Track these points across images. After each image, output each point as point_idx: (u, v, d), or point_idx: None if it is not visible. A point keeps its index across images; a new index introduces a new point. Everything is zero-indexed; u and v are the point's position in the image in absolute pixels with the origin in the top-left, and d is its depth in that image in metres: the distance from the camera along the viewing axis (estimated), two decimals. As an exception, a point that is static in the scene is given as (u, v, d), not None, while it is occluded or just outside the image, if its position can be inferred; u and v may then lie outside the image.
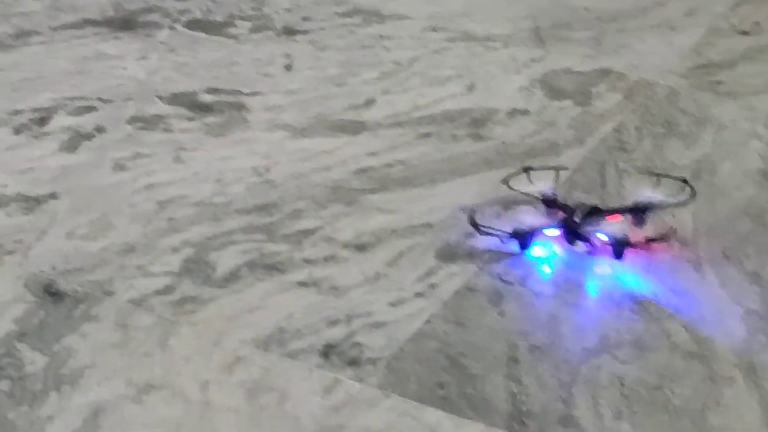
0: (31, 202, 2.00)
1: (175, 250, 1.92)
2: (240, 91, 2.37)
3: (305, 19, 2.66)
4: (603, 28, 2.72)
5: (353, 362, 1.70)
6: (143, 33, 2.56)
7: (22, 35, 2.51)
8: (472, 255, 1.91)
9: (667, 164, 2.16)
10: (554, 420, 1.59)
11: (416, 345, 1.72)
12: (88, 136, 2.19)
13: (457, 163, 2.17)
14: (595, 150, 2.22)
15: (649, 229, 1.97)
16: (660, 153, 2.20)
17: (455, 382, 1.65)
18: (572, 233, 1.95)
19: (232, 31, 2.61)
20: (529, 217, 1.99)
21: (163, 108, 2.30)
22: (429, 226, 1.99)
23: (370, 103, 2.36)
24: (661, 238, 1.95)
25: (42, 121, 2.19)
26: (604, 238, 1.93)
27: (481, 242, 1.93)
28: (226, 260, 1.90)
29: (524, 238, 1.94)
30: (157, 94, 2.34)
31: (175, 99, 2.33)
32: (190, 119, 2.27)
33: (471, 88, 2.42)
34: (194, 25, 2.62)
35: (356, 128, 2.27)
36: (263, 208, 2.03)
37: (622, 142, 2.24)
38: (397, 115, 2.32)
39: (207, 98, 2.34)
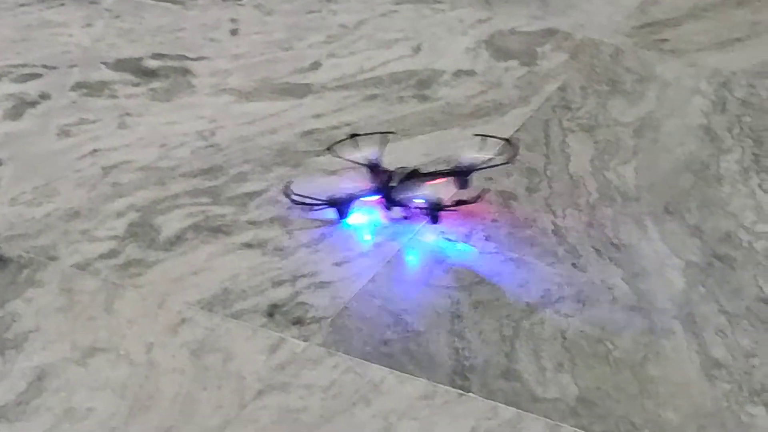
0: (-31, 171, 2.00)
1: (120, 214, 1.92)
2: (185, 56, 2.37)
3: (251, -17, 2.65)
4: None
5: (298, 321, 1.71)
6: (88, 0, 2.55)
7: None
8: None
9: (611, 121, 2.18)
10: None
11: (359, 303, 1.74)
12: (33, 103, 2.19)
13: (402, 124, 2.18)
14: (539, 109, 2.23)
15: (469, 191, 1.97)
16: (604, 111, 2.21)
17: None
18: (389, 199, 1.95)
19: (177, -5, 2.60)
20: (350, 184, 1.99)
21: (108, 74, 2.29)
22: (374, 186, 2.00)
23: (316, 66, 2.36)
24: (474, 200, 1.94)
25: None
26: (420, 202, 1.94)
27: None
28: (171, 224, 1.90)
29: (341, 205, 1.94)
30: (102, 60, 2.33)
31: (120, 65, 2.32)
32: (135, 85, 2.27)
33: (417, 49, 2.42)
34: (140, -9, 2.61)
35: (302, 91, 2.28)
36: (208, 172, 2.03)
37: (566, 101, 2.25)
38: (343, 77, 2.32)
39: (152, 63, 2.33)
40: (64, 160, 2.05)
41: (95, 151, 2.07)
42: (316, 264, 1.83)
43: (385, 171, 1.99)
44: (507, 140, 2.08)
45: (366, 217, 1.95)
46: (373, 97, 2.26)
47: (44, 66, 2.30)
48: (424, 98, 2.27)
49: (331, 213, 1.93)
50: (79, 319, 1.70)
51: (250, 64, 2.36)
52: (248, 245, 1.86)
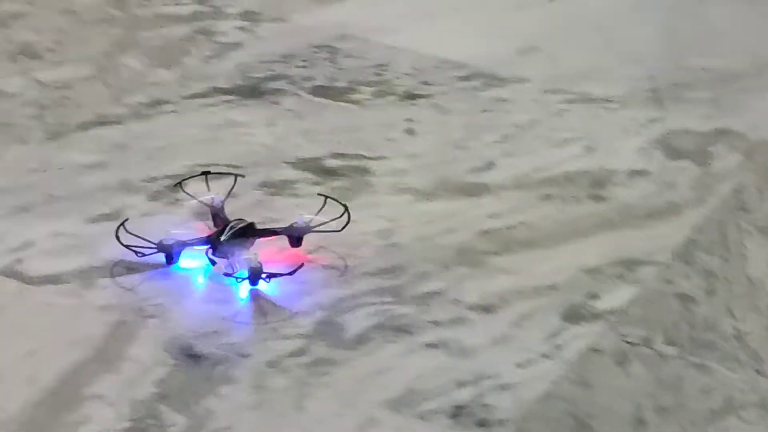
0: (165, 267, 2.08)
1: (307, 312, 1.98)
2: (364, 156, 2.44)
3: (426, 83, 2.72)
4: (722, 88, 2.74)
5: (482, 423, 1.74)
6: (270, 100, 2.65)
7: (155, 104, 2.61)
8: (596, 316, 1.95)
9: (789, 224, 2.19)
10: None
11: (543, 406, 1.76)
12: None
13: (578, 225, 2.21)
14: (715, 210, 2.24)
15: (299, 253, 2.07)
16: (782, 213, 2.22)
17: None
18: (215, 250, 2.02)
19: (355, 96, 2.68)
20: (185, 229, 2.09)
21: (291, 173, 2.37)
22: (553, 287, 2.03)
23: (491, 165, 2.41)
24: (290, 273, 2.01)
25: (176, 188, 2.28)
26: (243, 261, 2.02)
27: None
28: (355, 322, 1.96)
29: (170, 251, 2.01)
30: (284, 159, 2.42)
31: (302, 164, 2.40)
32: (317, 183, 2.34)
33: (590, 149, 2.46)
34: (318, 91, 2.69)
35: (479, 191, 2.33)
36: (390, 271, 2.08)
37: (743, 202, 2.26)
38: (518, 177, 2.37)
39: (332, 163, 2.41)
40: (252, 259, 2.12)
41: (281, 250, 2.14)
42: (498, 365, 1.86)
43: (224, 219, 2.09)
44: (345, 207, 2.16)
45: (197, 261, 2.04)
46: (549, 197, 2.30)
47: (230, 165, 2.39)
48: (598, 198, 2.30)
49: (160, 257, 2.04)
50: (271, 417, 1.76)
51: (426, 164, 2.42)
52: (431, 345, 1.90)
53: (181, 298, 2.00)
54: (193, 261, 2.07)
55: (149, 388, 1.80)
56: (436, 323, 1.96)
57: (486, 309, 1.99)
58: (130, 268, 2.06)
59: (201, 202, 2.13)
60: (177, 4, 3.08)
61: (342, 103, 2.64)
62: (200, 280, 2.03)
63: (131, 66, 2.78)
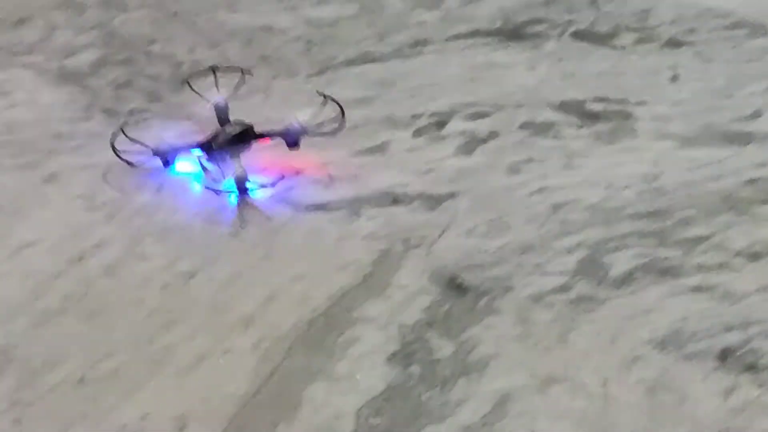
0: (432, 201, 2.11)
1: (569, 251, 1.98)
2: (627, 101, 2.42)
3: (690, 31, 2.67)
4: None
5: (750, 367, 1.72)
6: (531, 43, 2.65)
7: (418, 44, 2.64)
8: None
9: None
10: None
11: (816, 354, 1.74)
12: (483, 140, 2.29)
13: None
14: None
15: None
16: None
17: None
18: (209, 154, 2.01)
19: (617, 42, 2.65)
20: (177, 132, 2.10)
21: (553, 115, 2.37)
22: (824, 237, 1.99)
23: (757, 114, 2.36)
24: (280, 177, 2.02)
25: (439, 125, 2.31)
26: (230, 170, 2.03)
27: None
28: (619, 263, 1.95)
29: (165, 156, 2.01)
30: (546, 102, 2.42)
31: (564, 107, 2.40)
32: (579, 126, 2.33)
33: None
34: (580, 35, 2.68)
35: (744, 139, 2.28)
36: (654, 215, 2.07)
37: None
38: (785, 127, 2.32)
39: (595, 107, 2.40)
40: (514, 195, 2.13)
41: (543, 188, 2.15)
42: (767, 312, 1.83)
43: (223, 121, 2.10)
44: (341, 108, 2.16)
45: (192, 166, 2.05)
46: (816, 147, 2.25)
47: (492, 105, 2.40)
48: None
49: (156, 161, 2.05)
50: (536, 349, 1.77)
51: (690, 111, 2.38)
52: (697, 288, 1.88)
53: (445, 230, 2.02)
54: (189, 165, 2.08)
55: (416, 315, 1.83)
56: (701, 267, 1.93)
57: (754, 256, 1.95)
58: (396, 200, 2.10)
59: (206, 99, 2.16)
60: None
61: (603, 48, 2.62)
62: (196, 186, 2.05)
63: (394, 6, 2.82)
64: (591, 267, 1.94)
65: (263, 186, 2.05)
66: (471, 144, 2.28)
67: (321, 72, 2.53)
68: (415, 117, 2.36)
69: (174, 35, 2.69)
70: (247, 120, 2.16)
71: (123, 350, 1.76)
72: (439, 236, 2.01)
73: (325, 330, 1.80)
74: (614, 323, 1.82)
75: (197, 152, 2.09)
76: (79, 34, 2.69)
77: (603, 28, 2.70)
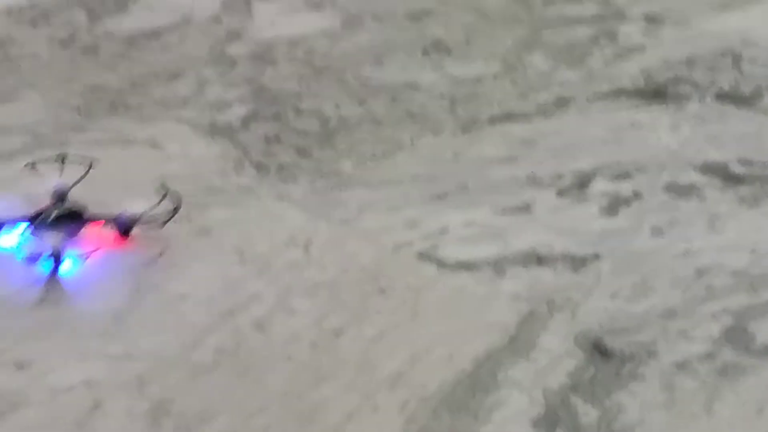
0: (576, 262, 2.13)
1: (714, 317, 1.99)
2: (772, 165, 2.42)
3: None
4: None
5: None
6: (673, 104, 2.66)
7: (561, 103, 2.67)
8: None
9: None
10: None
11: None
12: (627, 201, 2.30)
13: None
14: None
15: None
16: None
17: None
18: (35, 230, 2.05)
19: (761, 103, 2.65)
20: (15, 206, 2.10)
21: (696, 177, 2.38)
22: None
23: None
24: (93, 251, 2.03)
25: (582, 184, 2.33)
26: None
27: None
28: (765, 330, 1.95)
29: None
30: (689, 163, 2.42)
31: (707, 168, 2.40)
32: (723, 189, 2.34)
33: None
34: (723, 97, 2.69)
35: None
36: (800, 282, 2.07)
37: None
38: None
39: (738, 169, 2.40)
40: (658, 258, 2.14)
41: (687, 251, 2.15)
42: None
43: (56, 202, 2.11)
44: (180, 201, 2.17)
45: (17, 239, 2.07)
46: None
47: (635, 166, 2.41)
48: None
49: None
50: (681, 417, 1.78)
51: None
52: None
53: (589, 292, 2.04)
54: (12, 238, 2.11)
55: (561, 379, 1.85)
56: None
57: None
58: (540, 260, 2.13)
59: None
60: (580, 4, 3.14)
61: (747, 110, 2.62)
62: (17, 257, 2.07)
63: (537, 64, 2.85)
64: (736, 334, 1.95)
65: (79, 257, 2.08)
66: (614, 205, 2.30)
67: (465, 130, 2.57)
68: (558, 176, 2.38)
69: (321, 90, 2.76)
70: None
71: (274, 406, 1.81)
72: (583, 298, 2.03)
73: (470, 392, 1.83)
74: (760, 393, 1.82)
75: (24, 225, 2.15)
76: (230, 88, 2.76)
77: (746, 89, 2.70)
